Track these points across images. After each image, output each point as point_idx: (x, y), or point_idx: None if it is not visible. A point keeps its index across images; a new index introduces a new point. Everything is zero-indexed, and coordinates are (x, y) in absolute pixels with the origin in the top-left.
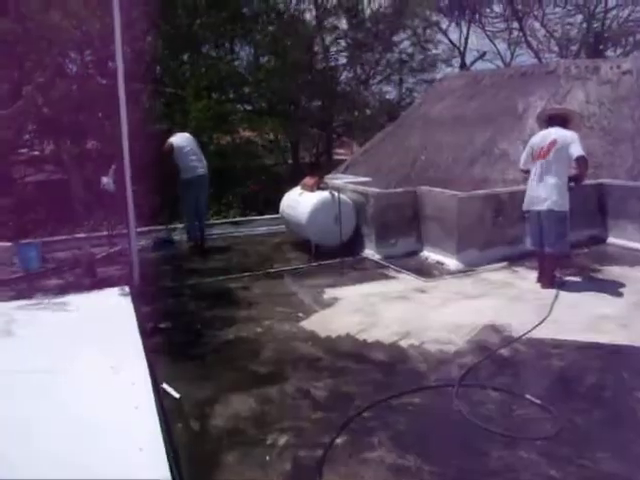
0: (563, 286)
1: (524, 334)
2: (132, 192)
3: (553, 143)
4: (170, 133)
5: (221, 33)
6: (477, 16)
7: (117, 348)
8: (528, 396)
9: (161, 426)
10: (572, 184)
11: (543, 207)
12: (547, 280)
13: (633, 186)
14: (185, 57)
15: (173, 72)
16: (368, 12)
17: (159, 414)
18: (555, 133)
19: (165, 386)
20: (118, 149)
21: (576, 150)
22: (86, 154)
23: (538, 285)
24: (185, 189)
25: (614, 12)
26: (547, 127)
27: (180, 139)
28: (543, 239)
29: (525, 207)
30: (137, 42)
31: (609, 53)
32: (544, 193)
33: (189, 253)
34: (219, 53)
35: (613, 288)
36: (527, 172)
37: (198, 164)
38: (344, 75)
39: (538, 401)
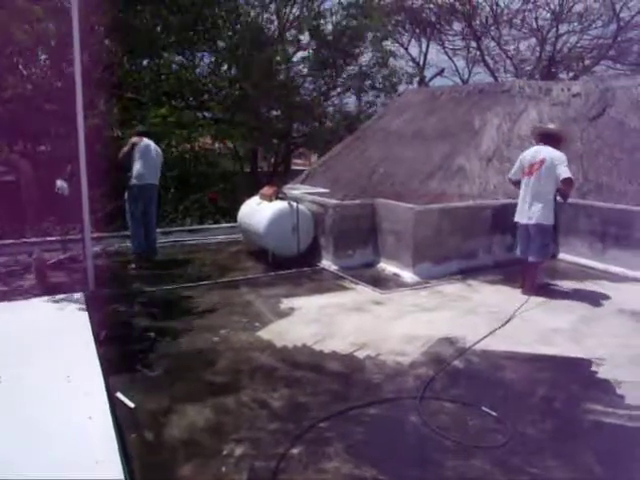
0: (546, 290)
1: (475, 343)
2: (87, 197)
3: (542, 162)
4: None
5: (182, 38)
6: (436, 33)
7: (70, 356)
8: (484, 408)
9: (116, 437)
10: (560, 199)
11: (532, 221)
12: (529, 286)
13: (583, 204)
14: (145, 62)
15: (132, 77)
16: (330, 26)
17: (114, 425)
18: (545, 152)
19: (119, 395)
20: (73, 152)
21: (563, 171)
22: (39, 156)
23: (490, 297)
24: (132, 195)
25: (564, 37)
26: (539, 143)
27: (144, 143)
28: (529, 248)
29: (516, 219)
30: (95, 45)
31: (561, 75)
32: (534, 208)
33: (134, 262)
34: (180, 60)
35: (564, 302)
36: (515, 183)
37: (151, 174)
38: (304, 86)
39: (494, 413)
